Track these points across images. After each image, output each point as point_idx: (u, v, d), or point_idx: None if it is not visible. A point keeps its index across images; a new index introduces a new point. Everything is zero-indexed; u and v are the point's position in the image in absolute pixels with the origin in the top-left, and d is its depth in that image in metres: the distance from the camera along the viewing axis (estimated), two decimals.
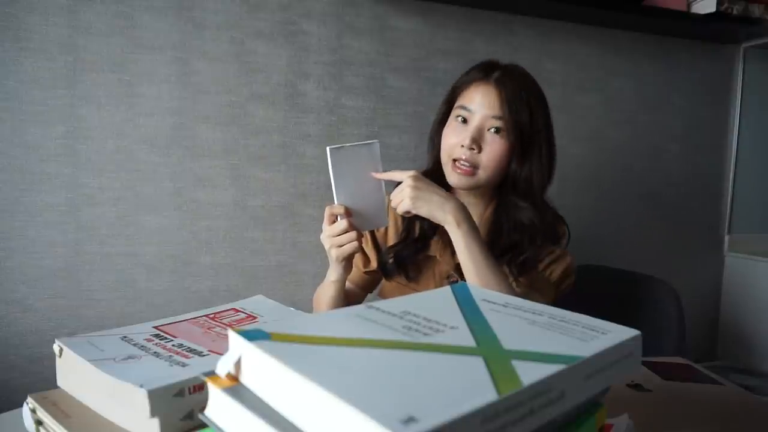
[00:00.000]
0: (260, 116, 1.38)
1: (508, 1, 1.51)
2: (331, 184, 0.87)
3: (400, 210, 0.88)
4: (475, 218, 1.03)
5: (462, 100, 0.98)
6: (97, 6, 1.23)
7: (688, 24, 1.66)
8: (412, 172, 0.87)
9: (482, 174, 0.96)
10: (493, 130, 0.94)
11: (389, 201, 0.91)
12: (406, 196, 0.86)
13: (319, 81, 1.42)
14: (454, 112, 0.98)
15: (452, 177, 0.97)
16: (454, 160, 0.96)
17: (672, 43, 1.79)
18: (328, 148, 0.85)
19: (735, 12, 1.62)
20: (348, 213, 0.88)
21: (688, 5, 1.65)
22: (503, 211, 1.00)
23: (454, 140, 0.96)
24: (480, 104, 0.95)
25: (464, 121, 0.96)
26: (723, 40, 1.85)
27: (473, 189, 0.99)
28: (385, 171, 0.89)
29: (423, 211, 0.87)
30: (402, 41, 1.49)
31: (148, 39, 1.27)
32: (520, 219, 0.97)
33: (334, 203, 0.88)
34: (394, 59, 1.49)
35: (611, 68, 1.74)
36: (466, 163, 0.95)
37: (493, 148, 0.94)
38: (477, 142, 0.94)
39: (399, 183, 0.89)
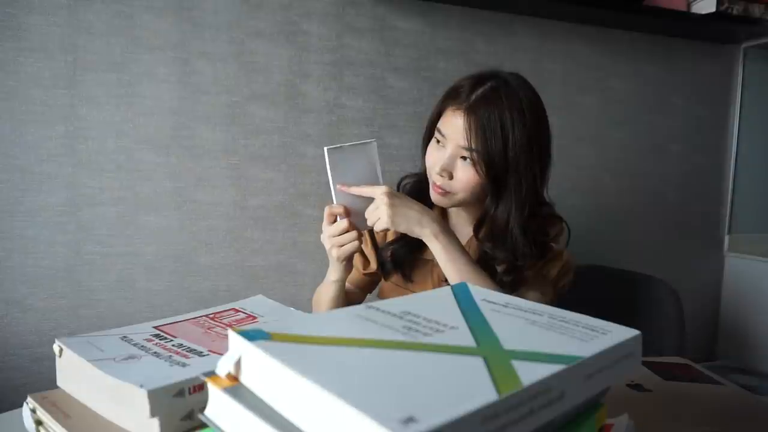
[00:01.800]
0: (260, 116, 1.38)
1: (508, 1, 1.51)
2: (329, 184, 0.87)
3: (378, 228, 0.86)
4: (465, 235, 1.03)
5: (441, 122, 0.95)
6: (97, 6, 1.23)
7: (688, 24, 1.66)
8: (384, 188, 0.86)
9: (455, 197, 0.94)
10: (463, 158, 0.92)
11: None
12: (383, 214, 0.84)
13: (319, 81, 1.42)
14: (435, 132, 0.96)
15: (432, 195, 0.96)
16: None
17: (672, 43, 1.79)
18: (325, 149, 0.85)
19: (735, 12, 1.62)
20: (347, 212, 0.88)
21: (688, 5, 1.65)
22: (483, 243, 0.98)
23: (431, 161, 0.95)
24: (452, 132, 0.91)
25: (441, 143, 0.94)
26: (723, 40, 1.85)
27: (453, 207, 0.99)
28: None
29: (402, 227, 0.86)
30: (402, 41, 1.49)
31: (148, 39, 1.27)
32: (496, 256, 0.94)
33: (332, 203, 0.88)
34: (394, 59, 1.49)
35: (611, 68, 1.74)
36: (439, 188, 0.94)
37: (464, 177, 0.92)
38: (448, 171, 0.92)
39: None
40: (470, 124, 0.89)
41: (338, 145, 0.86)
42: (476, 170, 0.90)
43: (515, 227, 0.92)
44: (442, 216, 1.05)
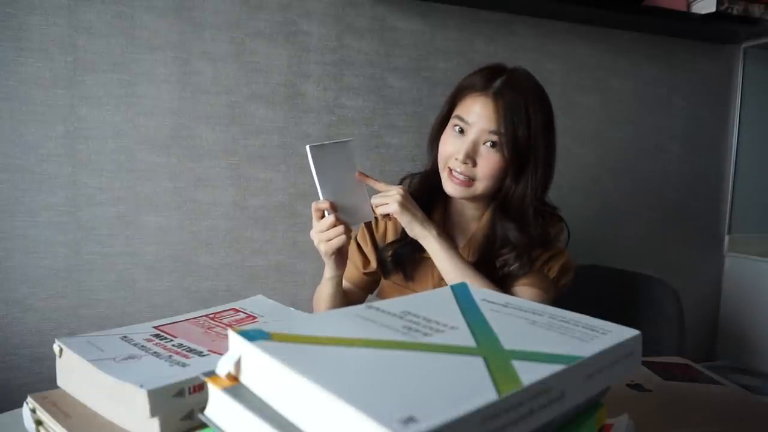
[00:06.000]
0: (260, 116, 1.38)
1: (508, 1, 1.51)
2: (314, 181, 0.88)
3: (384, 210, 0.91)
4: (468, 233, 1.04)
5: (460, 110, 0.97)
6: (97, 6, 1.23)
7: (688, 24, 1.66)
8: (400, 188, 0.92)
9: (479, 185, 0.95)
10: (488, 143, 0.93)
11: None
12: (395, 201, 0.89)
13: (319, 81, 1.42)
14: (452, 121, 0.97)
15: (448, 186, 0.97)
16: (450, 169, 0.96)
17: (672, 43, 1.79)
18: (308, 146, 0.86)
19: (735, 12, 1.62)
20: (334, 208, 0.89)
21: (688, 5, 1.65)
22: (496, 223, 1.00)
23: (450, 150, 0.96)
24: (477, 117, 0.93)
25: (461, 131, 0.96)
26: (723, 40, 1.85)
27: (469, 198, 1.00)
28: (377, 174, 0.92)
29: (405, 220, 0.91)
30: (402, 41, 1.49)
31: (148, 39, 1.27)
32: (508, 237, 0.97)
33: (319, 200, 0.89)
34: (394, 59, 1.48)
35: (611, 68, 1.74)
36: (462, 175, 0.95)
37: (489, 162, 0.94)
38: (471, 157, 0.94)
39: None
40: (498, 108, 0.92)
41: (320, 143, 0.87)
42: (502, 154, 0.93)
43: (530, 208, 0.96)
44: (443, 215, 1.06)
